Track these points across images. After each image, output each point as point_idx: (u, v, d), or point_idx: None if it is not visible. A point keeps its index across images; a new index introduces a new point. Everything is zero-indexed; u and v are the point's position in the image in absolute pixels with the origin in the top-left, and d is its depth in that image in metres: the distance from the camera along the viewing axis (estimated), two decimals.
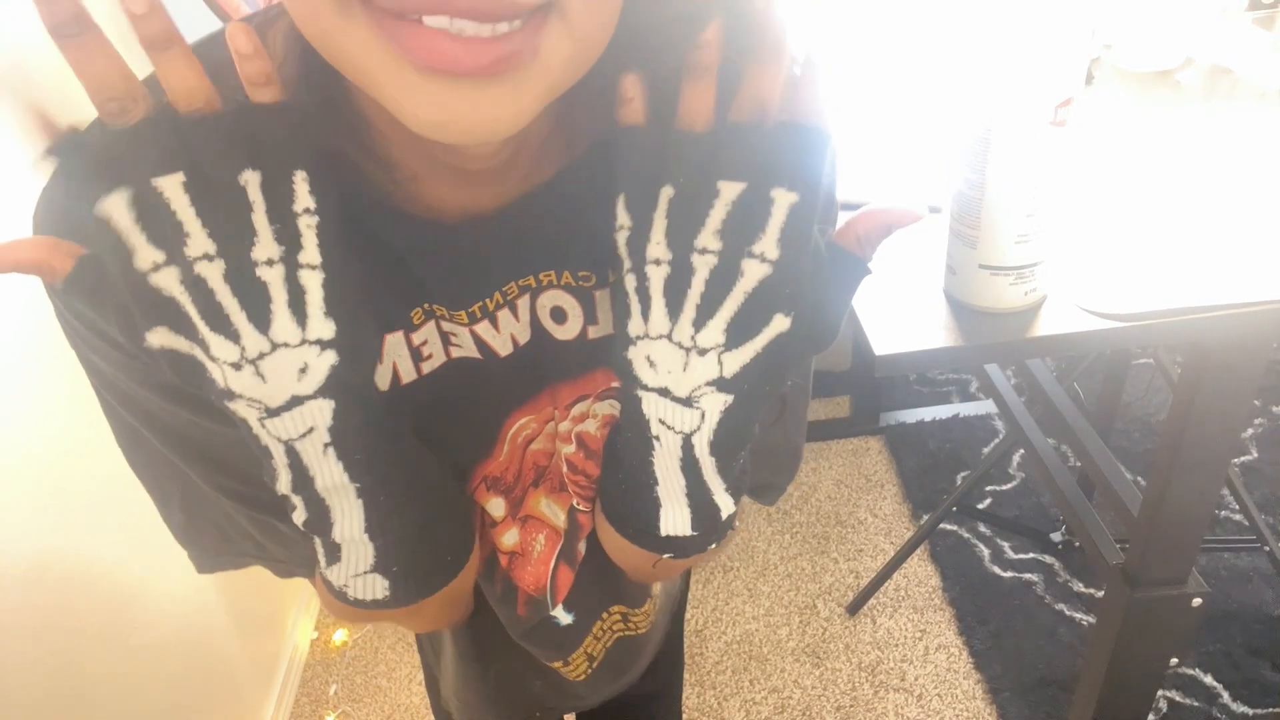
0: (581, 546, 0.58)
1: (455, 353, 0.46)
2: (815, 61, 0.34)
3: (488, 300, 0.45)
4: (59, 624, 1.07)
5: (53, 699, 1.06)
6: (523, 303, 0.46)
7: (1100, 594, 1.60)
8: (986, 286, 0.61)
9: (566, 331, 0.47)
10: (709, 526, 0.47)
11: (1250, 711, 1.37)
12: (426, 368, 0.46)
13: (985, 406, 2.06)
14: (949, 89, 0.96)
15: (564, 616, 0.61)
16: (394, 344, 0.44)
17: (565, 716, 1.16)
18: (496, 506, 0.54)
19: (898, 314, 0.64)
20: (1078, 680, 1.27)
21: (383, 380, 0.45)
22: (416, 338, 0.45)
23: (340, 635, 1.76)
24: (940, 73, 1.00)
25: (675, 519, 0.46)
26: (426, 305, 0.44)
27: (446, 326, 0.45)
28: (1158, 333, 0.59)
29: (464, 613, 0.58)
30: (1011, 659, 1.52)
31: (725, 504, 0.46)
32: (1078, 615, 1.57)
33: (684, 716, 1.23)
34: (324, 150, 0.37)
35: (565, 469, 0.53)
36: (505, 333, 0.46)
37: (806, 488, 1.92)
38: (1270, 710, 1.37)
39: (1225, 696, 1.40)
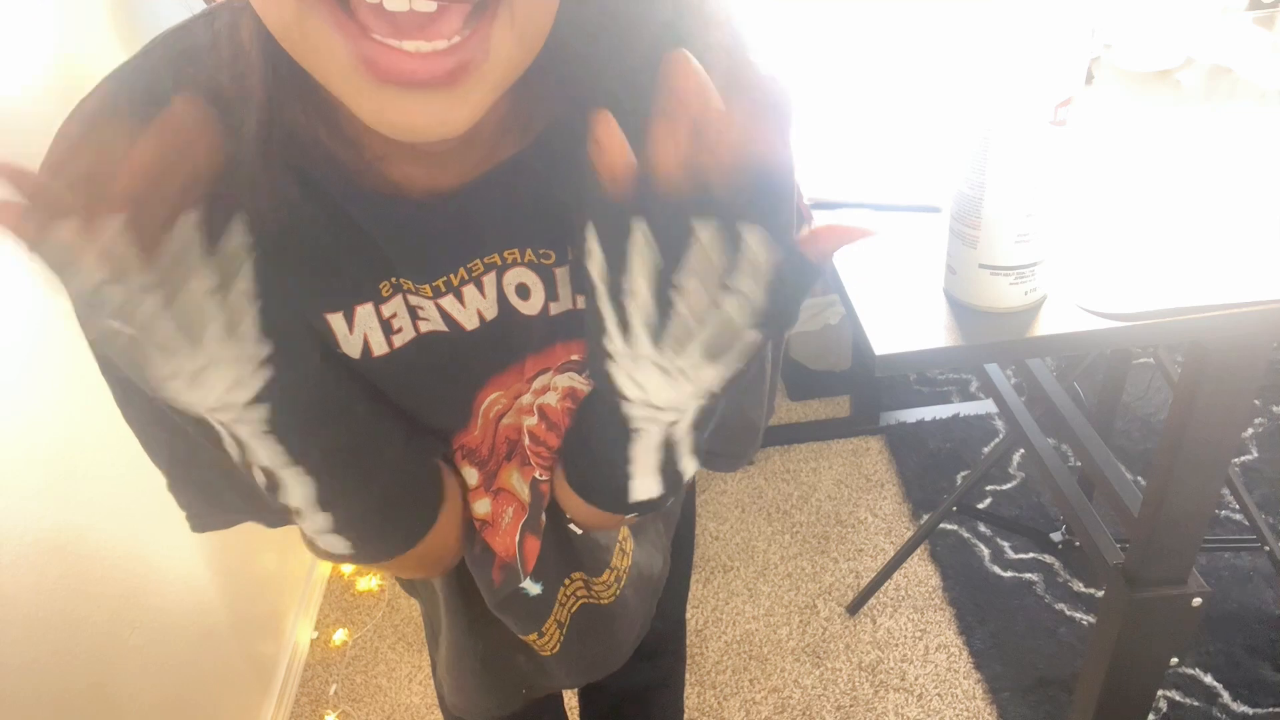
0: (543, 517, 0.59)
1: (424, 326, 0.48)
2: (772, 98, 0.33)
3: (451, 275, 0.46)
4: (59, 622, 1.07)
5: (53, 697, 1.06)
6: (489, 280, 0.48)
7: (1100, 594, 1.60)
8: (987, 286, 0.61)
9: (530, 307, 0.49)
10: (674, 487, 0.51)
11: (1250, 711, 1.37)
12: (397, 341, 0.48)
13: (985, 406, 2.06)
14: (949, 89, 0.96)
15: (532, 587, 0.63)
16: (364, 315, 0.46)
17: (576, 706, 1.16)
18: (471, 475, 0.56)
19: (898, 314, 0.64)
20: (1078, 680, 1.27)
21: (354, 349, 0.47)
22: (386, 309, 0.47)
23: (340, 635, 1.76)
24: (940, 73, 1.00)
25: (646, 487, 0.49)
26: (394, 279, 0.46)
27: (414, 300, 0.47)
28: (1158, 332, 0.59)
29: (447, 562, 0.60)
30: (1011, 659, 1.52)
31: (690, 468, 0.49)
32: (1078, 615, 1.57)
33: (685, 715, 1.23)
34: (293, 132, 0.40)
35: (527, 440, 0.55)
36: (471, 308, 0.48)
37: (806, 487, 1.93)
38: (1270, 710, 1.37)
39: (1225, 696, 1.40)
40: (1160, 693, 1.42)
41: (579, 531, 0.67)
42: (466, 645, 0.77)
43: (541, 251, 0.47)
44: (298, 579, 1.78)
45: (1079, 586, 1.62)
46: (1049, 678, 1.48)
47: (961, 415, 2.04)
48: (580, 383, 0.53)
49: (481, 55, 0.34)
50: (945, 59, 1.03)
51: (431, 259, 0.46)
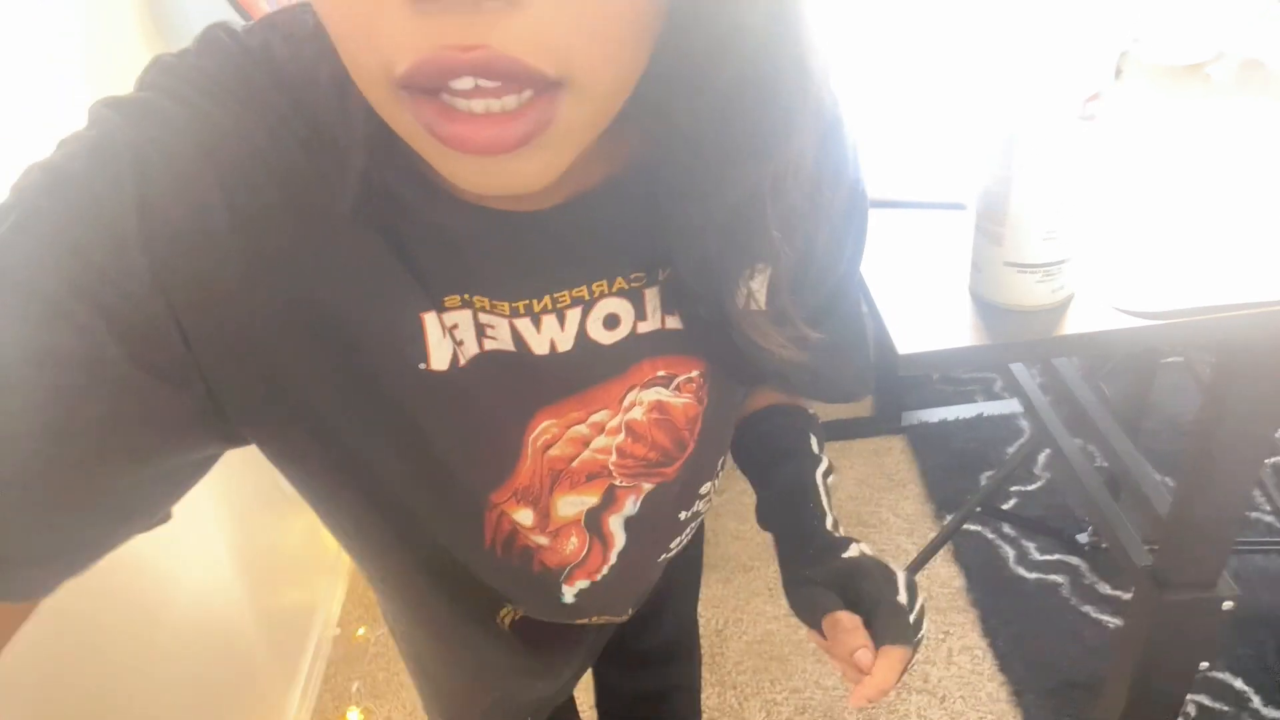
0: (612, 522, 0.59)
1: (489, 345, 0.46)
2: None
3: (535, 300, 0.45)
4: (81, 622, 1.08)
5: (75, 696, 1.07)
6: (573, 314, 0.47)
7: (1127, 596, 1.57)
8: (1013, 284, 0.60)
9: (615, 335, 0.48)
10: None
11: (1279, 716, 1.35)
12: (462, 356, 0.46)
13: (1010, 406, 2.04)
14: (976, 84, 0.95)
15: (568, 594, 0.62)
16: (430, 323, 0.44)
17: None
18: (526, 517, 0.55)
19: (922, 312, 0.63)
20: (1103, 683, 1.25)
21: (416, 359, 0.45)
22: (448, 319, 0.45)
23: (362, 631, 1.77)
24: (967, 68, 0.99)
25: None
26: (466, 295, 0.44)
27: (484, 318, 0.46)
28: (1189, 331, 0.58)
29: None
30: (1035, 661, 1.50)
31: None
32: (1104, 618, 1.55)
33: (704, 716, 1.22)
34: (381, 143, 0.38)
35: (614, 458, 0.54)
36: (546, 336, 0.47)
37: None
38: None
39: (1256, 701, 1.37)
40: (1189, 696, 1.40)
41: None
42: (458, 681, 0.77)
43: (634, 276, 0.47)
44: (321, 574, 1.79)
45: (1105, 589, 1.60)
46: (1073, 680, 1.46)
47: (985, 415, 2.02)
48: (668, 395, 0.53)
49: (547, 123, 0.33)
50: (972, 53, 1.02)
51: (517, 276, 0.45)
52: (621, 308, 0.48)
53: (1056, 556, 1.67)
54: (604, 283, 0.46)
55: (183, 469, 0.44)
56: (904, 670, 0.53)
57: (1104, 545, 1.63)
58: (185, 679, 1.29)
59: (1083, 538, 1.65)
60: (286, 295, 0.41)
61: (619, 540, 0.60)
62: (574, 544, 0.58)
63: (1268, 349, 0.67)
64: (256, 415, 0.44)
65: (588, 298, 0.46)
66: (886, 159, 0.85)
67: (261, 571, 1.55)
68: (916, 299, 0.65)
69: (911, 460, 1.96)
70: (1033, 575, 1.65)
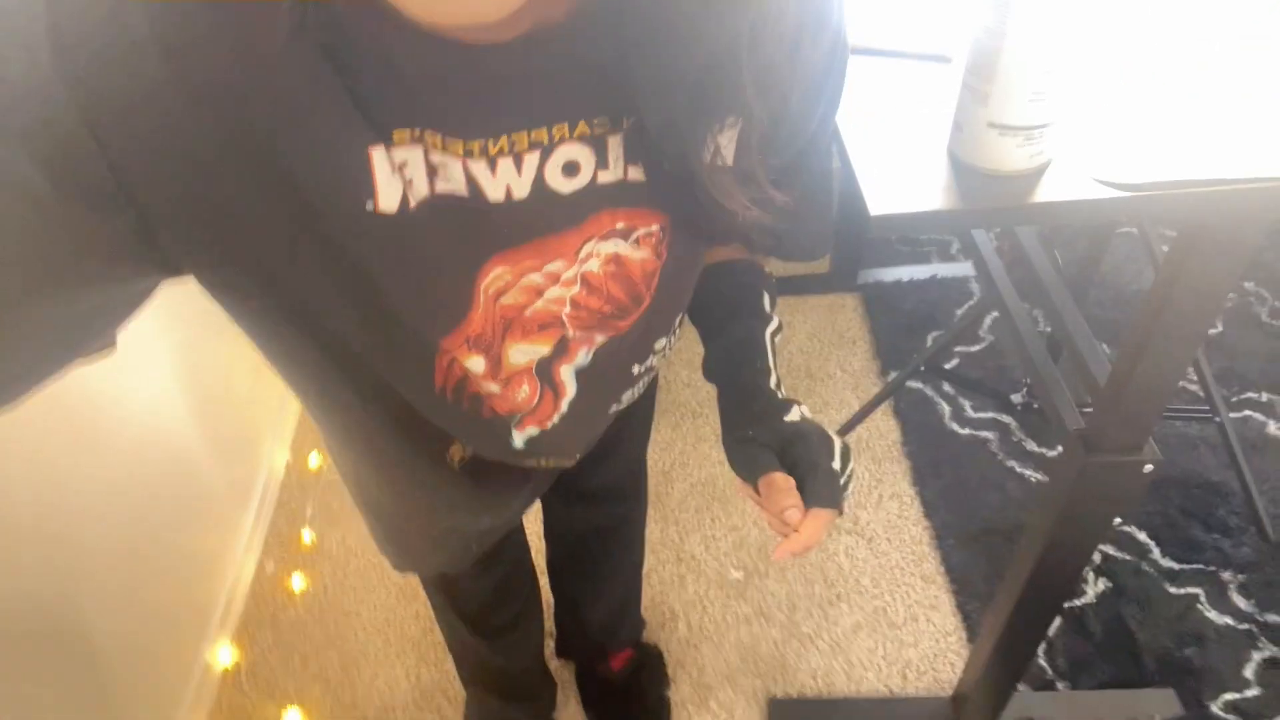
0: (563, 372, 0.59)
1: (441, 186, 0.44)
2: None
3: (490, 141, 0.42)
4: (30, 447, 1.07)
5: (30, 518, 1.08)
6: (530, 159, 0.44)
7: (1052, 454, 1.67)
8: (993, 146, 0.58)
9: (574, 184, 0.46)
10: None
11: (1177, 566, 1.47)
12: (413, 197, 0.43)
13: (963, 269, 2.06)
14: None
15: (518, 440, 0.63)
16: (377, 159, 0.41)
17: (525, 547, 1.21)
18: (477, 364, 0.54)
19: (896, 172, 0.61)
20: (1021, 532, 1.35)
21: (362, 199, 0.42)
22: (396, 156, 0.42)
23: (315, 459, 1.80)
24: None
25: None
26: (416, 130, 0.41)
27: (436, 157, 0.43)
28: (1161, 204, 0.58)
29: None
30: (959, 509, 1.60)
31: None
32: (1027, 473, 1.64)
33: (646, 548, 1.29)
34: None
35: (568, 309, 0.53)
36: (501, 181, 0.44)
37: (781, 343, 1.94)
38: (1195, 566, 1.47)
39: (1155, 552, 1.49)
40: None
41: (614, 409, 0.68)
42: (405, 515, 0.79)
43: (596, 121, 0.44)
44: (271, 404, 1.80)
45: (1032, 446, 1.69)
46: (993, 528, 1.56)
47: (939, 277, 2.05)
48: (626, 249, 0.51)
49: None
50: None
51: (472, 114, 0.42)
52: (582, 155, 0.45)
53: (990, 415, 1.75)
54: (564, 126, 0.44)
55: (119, 299, 0.42)
56: (828, 530, 0.56)
57: (1036, 406, 1.70)
58: (137, 501, 1.30)
59: (1017, 398, 1.72)
60: (223, 126, 0.38)
61: (570, 390, 0.60)
62: (525, 392, 0.58)
63: (1229, 226, 0.68)
64: (192, 249, 0.42)
65: (546, 142, 0.44)
66: (870, 2, 0.80)
67: (210, 397, 1.54)
68: (891, 157, 0.63)
69: (864, 318, 1.99)
70: (965, 431, 1.73)
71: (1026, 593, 1.05)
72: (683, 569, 1.57)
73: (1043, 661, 1.38)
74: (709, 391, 1.89)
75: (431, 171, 0.43)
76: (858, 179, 0.60)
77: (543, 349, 0.56)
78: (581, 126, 0.44)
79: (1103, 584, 1.46)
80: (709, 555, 1.58)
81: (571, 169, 0.46)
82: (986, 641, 1.18)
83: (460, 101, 0.41)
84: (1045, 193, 0.58)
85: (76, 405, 1.17)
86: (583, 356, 0.58)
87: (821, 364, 1.90)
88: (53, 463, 1.12)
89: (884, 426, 1.77)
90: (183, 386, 1.45)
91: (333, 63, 0.38)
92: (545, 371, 0.57)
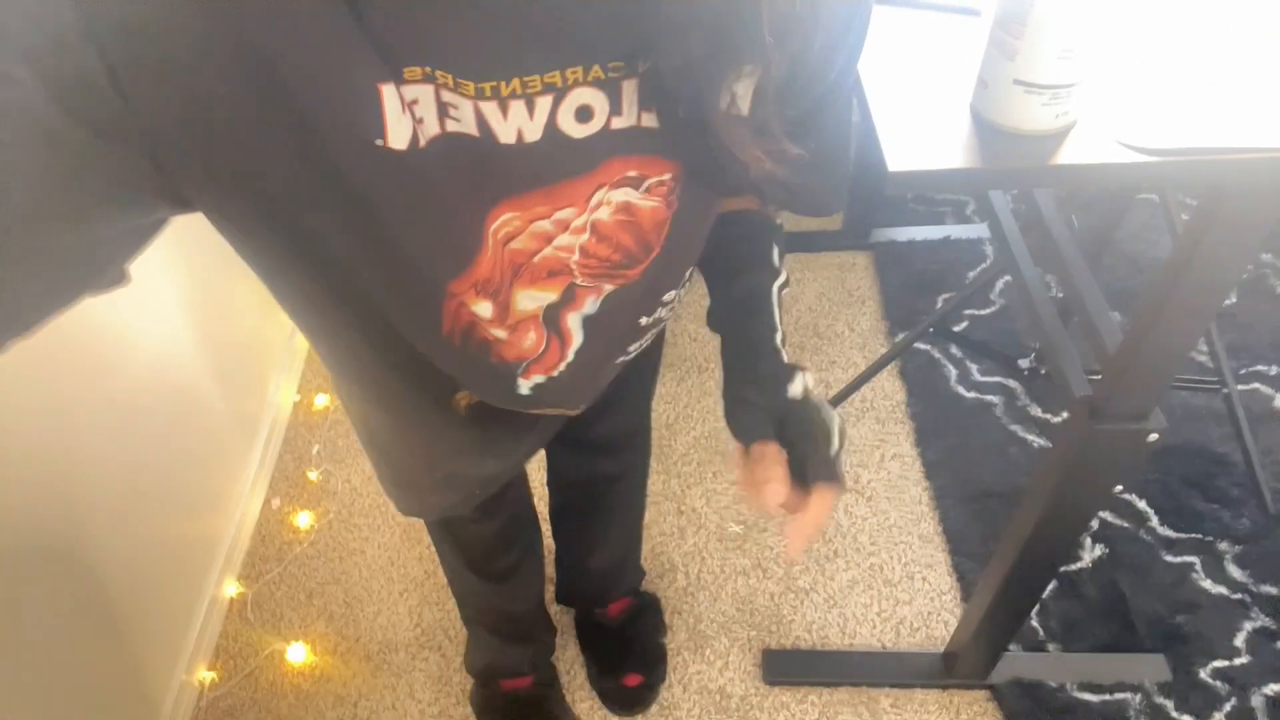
0: (570, 320, 0.58)
1: (451, 126, 0.43)
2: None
3: (503, 83, 0.42)
4: (42, 381, 1.08)
5: (43, 452, 1.09)
6: (543, 102, 0.43)
7: (1057, 420, 1.67)
8: (1018, 104, 0.57)
9: (588, 129, 0.45)
10: None
11: (1174, 535, 1.48)
12: (423, 135, 0.43)
13: (977, 230, 2.04)
14: None
15: (524, 387, 0.63)
16: (388, 95, 0.41)
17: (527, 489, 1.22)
18: (484, 309, 0.54)
19: (917, 128, 0.60)
20: (1020, 495, 1.35)
21: (398, 135, 0.42)
22: (407, 93, 0.41)
23: (322, 400, 1.81)
24: None
25: None
26: (428, 69, 0.41)
27: (447, 96, 0.42)
28: (1185, 170, 0.57)
29: None
30: (960, 471, 1.60)
31: None
32: (1030, 437, 1.65)
33: (648, 500, 1.30)
34: None
35: (576, 256, 0.53)
36: (513, 124, 0.44)
37: (789, 297, 1.94)
38: (1192, 535, 1.48)
39: (1154, 520, 1.50)
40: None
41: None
42: (411, 458, 0.79)
43: (612, 65, 0.43)
44: (278, 344, 1.80)
45: (1036, 411, 1.69)
46: (992, 491, 1.57)
47: (952, 238, 2.03)
48: (636, 198, 0.51)
49: None
50: None
51: (485, 54, 0.41)
52: (595, 99, 0.44)
53: (996, 379, 1.74)
54: (579, 70, 0.43)
55: (128, 232, 0.42)
56: (833, 508, 0.56)
57: (1043, 372, 1.70)
58: (146, 435, 1.32)
59: (1024, 363, 1.71)
60: (232, 54, 0.37)
61: (576, 339, 0.60)
62: (532, 339, 0.58)
63: (1253, 195, 0.66)
64: (200, 180, 0.41)
65: (560, 85, 0.43)
66: None
67: (218, 334, 1.54)
68: (913, 112, 0.62)
69: (874, 277, 1.98)
70: (970, 394, 1.73)
71: (1024, 555, 1.06)
72: (683, 521, 1.58)
73: (1035, 623, 1.40)
74: (715, 347, 1.88)
75: (443, 110, 0.43)
76: (877, 134, 0.59)
77: (550, 295, 0.55)
78: (596, 70, 0.43)
79: (1099, 549, 1.47)
80: (709, 509, 1.60)
81: (585, 114, 0.45)
82: (981, 601, 1.19)
83: (471, 42, 0.41)
84: (1069, 154, 0.57)
85: (85, 337, 1.17)
86: (590, 305, 0.58)
87: (830, 323, 1.89)
88: (61, 391, 1.12)
89: (889, 387, 1.76)
90: (191, 321, 1.45)
91: None
92: (552, 319, 0.57)
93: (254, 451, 1.67)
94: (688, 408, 1.75)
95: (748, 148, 0.45)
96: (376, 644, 1.46)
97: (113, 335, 1.23)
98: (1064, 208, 1.75)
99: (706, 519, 1.59)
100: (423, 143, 0.43)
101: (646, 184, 0.50)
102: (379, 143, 0.42)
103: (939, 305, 1.88)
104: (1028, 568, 1.09)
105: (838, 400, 1.70)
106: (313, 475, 1.70)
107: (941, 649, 1.37)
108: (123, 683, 1.25)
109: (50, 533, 1.11)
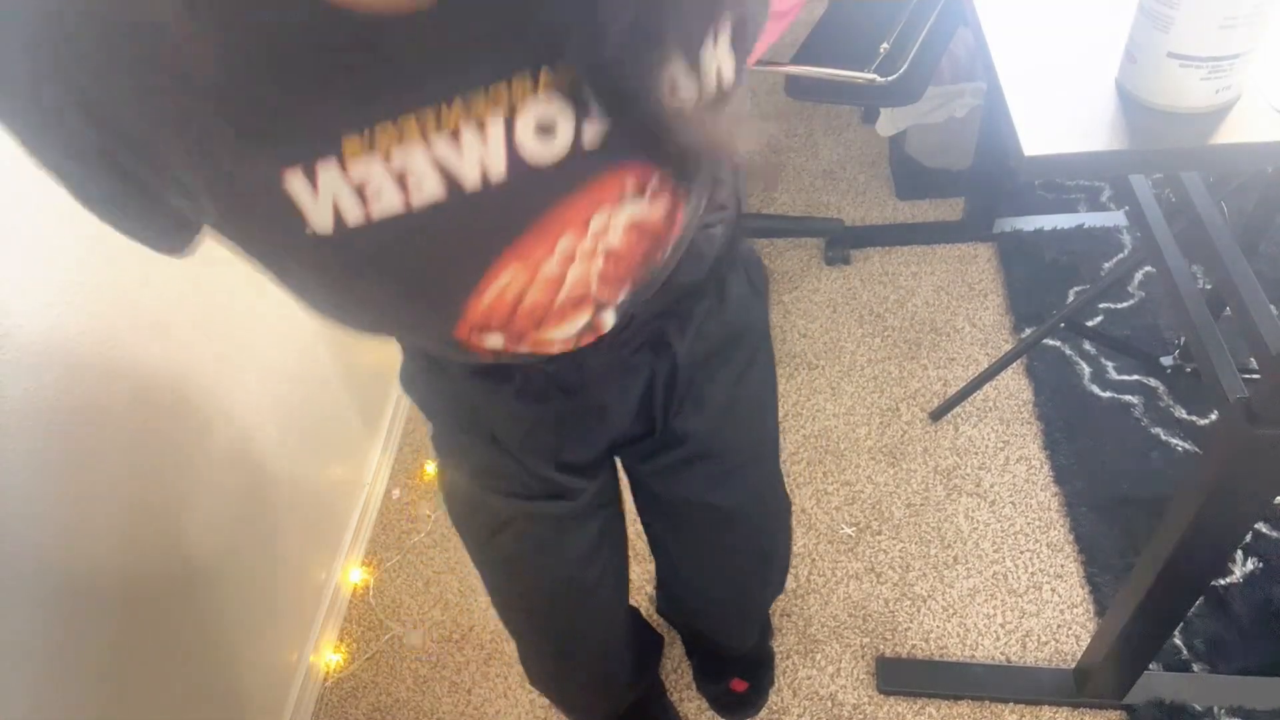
0: (604, 314, 0.55)
1: (416, 199, 0.40)
2: None
3: (445, 104, 0.38)
4: (174, 366, 1.15)
5: (174, 429, 1.16)
6: (494, 123, 0.39)
7: (1204, 422, 1.54)
8: (1172, 80, 0.52)
9: (555, 148, 0.41)
10: None
11: None
12: (376, 211, 0.40)
13: (1113, 218, 1.91)
14: None
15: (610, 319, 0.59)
16: (329, 177, 0.38)
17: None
18: (495, 340, 0.51)
19: (1056, 108, 0.56)
20: (1163, 504, 1.25)
21: (323, 219, 0.40)
22: (354, 172, 0.38)
23: None
24: None
25: None
26: (366, 131, 0.38)
27: (398, 160, 0.39)
28: None
29: None
30: (1095, 477, 1.50)
31: None
32: (1174, 441, 1.53)
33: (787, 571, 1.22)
34: None
35: (595, 285, 0.50)
36: (472, 158, 0.40)
37: (904, 292, 1.86)
38: None
39: None
40: None
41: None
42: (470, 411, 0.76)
43: (560, 66, 0.39)
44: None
45: (1181, 413, 1.56)
46: (1132, 498, 1.47)
47: (1086, 226, 1.90)
48: (643, 209, 0.47)
49: None
50: None
51: (415, 74, 0.37)
52: (556, 111, 0.40)
53: (1135, 378, 1.63)
54: (525, 78, 0.38)
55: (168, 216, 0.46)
56: None
57: (1190, 370, 1.57)
58: (278, 418, 1.39)
59: (1167, 360, 1.59)
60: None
61: (609, 323, 0.57)
62: (558, 344, 0.56)
63: None
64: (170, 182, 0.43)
65: (508, 97, 0.39)
66: None
67: (341, 333, 1.61)
68: (1051, 91, 0.57)
69: (997, 270, 1.88)
70: (1106, 394, 1.62)
71: (1168, 569, 0.98)
72: (793, 522, 1.55)
73: (1178, 641, 1.30)
74: (827, 343, 1.84)
75: (400, 180, 0.40)
76: (1010, 114, 0.55)
77: (583, 318, 0.53)
78: (545, 76, 0.39)
79: (1252, 564, 1.35)
80: (820, 510, 1.56)
81: (546, 129, 0.40)
82: (1118, 616, 1.11)
83: (396, 71, 0.37)
84: (1230, 133, 0.52)
85: (225, 328, 1.24)
86: (623, 293, 0.54)
87: (949, 318, 1.81)
88: (196, 378, 1.20)
89: (1014, 386, 1.67)
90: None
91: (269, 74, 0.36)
92: (586, 327, 0.55)
93: (376, 441, 1.74)
94: (797, 405, 1.71)
95: (706, 130, 0.43)
96: (489, 633, 1.49)
97: (254, 322, 1.30)
98: (1213, 191, 1.62)
99: (817, 520, 1.55)
100: (360, 222, 0.40)
101: (648, 189, 0.47)
102: (308, 232, 0.40)
103: (1070, 298, 1.77)
104: (1172, 583, 1.00)
105: (958, 399, 1.62)
106: (430, 467, 1.75)
107: (1073, 665, 1.29)
108: (255, 661, 1.32)
109: (158, 513, 1.19)
